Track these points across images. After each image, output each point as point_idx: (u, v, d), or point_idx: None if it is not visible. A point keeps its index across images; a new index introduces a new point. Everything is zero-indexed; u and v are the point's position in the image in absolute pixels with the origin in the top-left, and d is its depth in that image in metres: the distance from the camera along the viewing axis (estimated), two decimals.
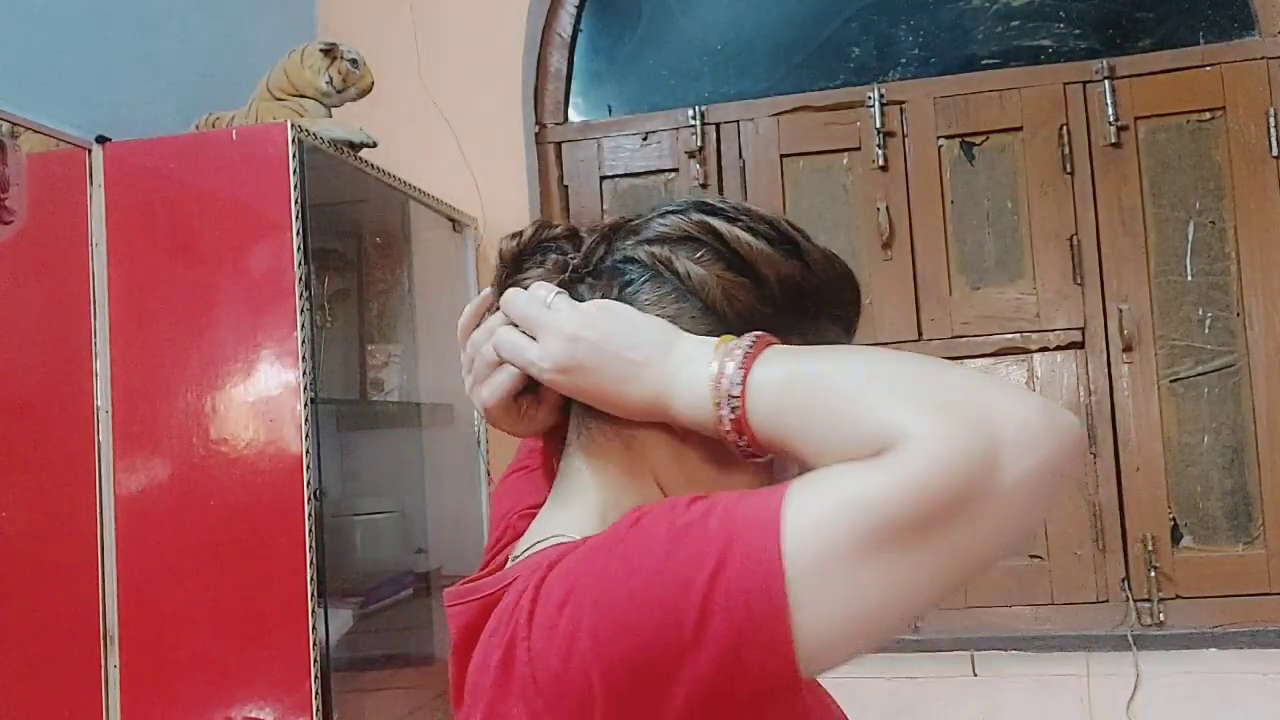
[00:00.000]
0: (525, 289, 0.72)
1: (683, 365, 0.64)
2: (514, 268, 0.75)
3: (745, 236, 0.69)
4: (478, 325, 0.76)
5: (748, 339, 0.62)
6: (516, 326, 0.71)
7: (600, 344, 0.66)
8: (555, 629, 0.57)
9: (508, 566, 0.70)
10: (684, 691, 0.54)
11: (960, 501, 0.51)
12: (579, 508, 0.71)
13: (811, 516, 0.53)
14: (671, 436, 0.69)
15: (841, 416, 0.56)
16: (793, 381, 0.59)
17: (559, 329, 0.68)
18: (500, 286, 0.75)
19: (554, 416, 0.77)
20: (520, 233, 0.75)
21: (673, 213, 0.72)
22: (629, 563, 0.56)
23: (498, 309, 0.74)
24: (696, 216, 0.70)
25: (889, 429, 0.53)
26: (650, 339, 0.66)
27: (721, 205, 0.72)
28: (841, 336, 0.73)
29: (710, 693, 0.54)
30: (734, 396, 0.60)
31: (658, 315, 0.68)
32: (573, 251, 0.74)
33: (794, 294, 0.70)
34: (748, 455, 0.62)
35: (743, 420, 0.60)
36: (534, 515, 0.79)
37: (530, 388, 0.74)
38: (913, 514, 0.51)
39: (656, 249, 0.70)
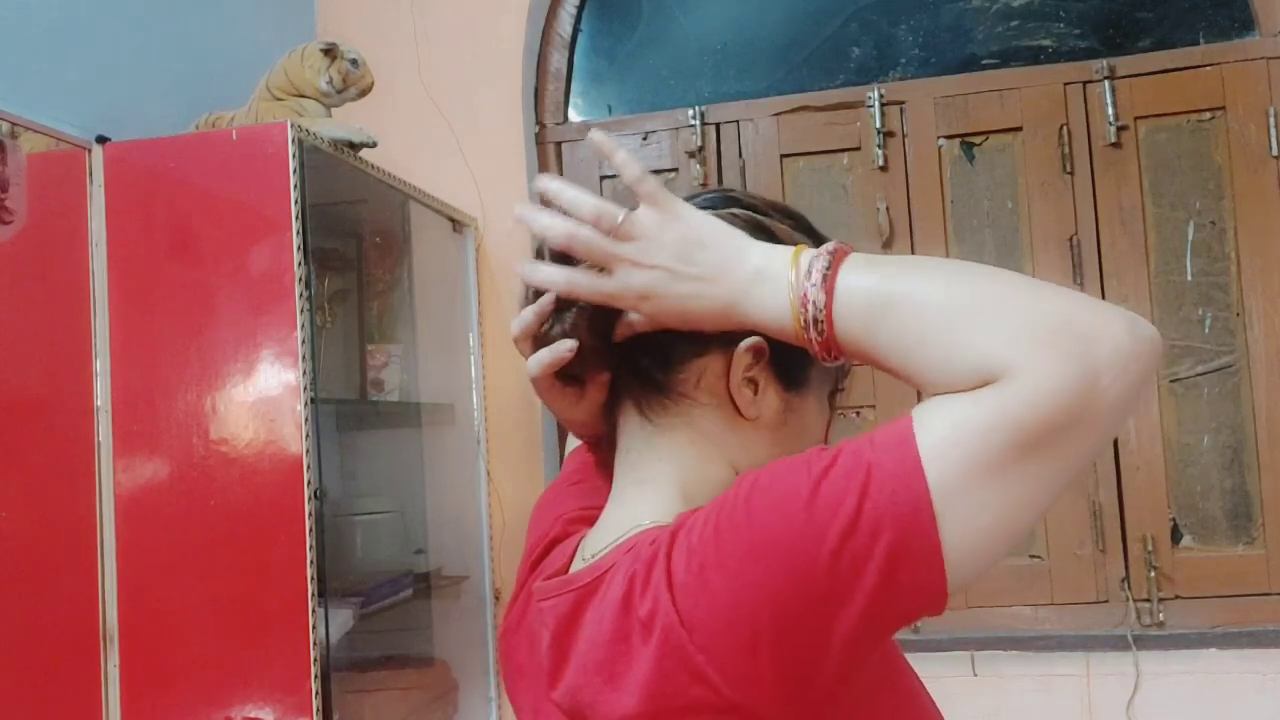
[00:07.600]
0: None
1: (759, 277, 0.66)
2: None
3: (788, 230, 0.74)
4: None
5: (825, 252, 0.64)
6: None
7: (678, 255, 0.68)
8: (705, 587, 0.59)
9: (587, 558, 0.72)
10: (848, 622, 0.57)
11: (1066, 426, 0.56)
12: (657, 493, 0.73)
13: (941, 438, 0.57)
14: (726, 410, 0.73)
15: (938, 345, 0.59)
16: (884, 304, 0.62)
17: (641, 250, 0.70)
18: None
19: (601, 398, 0.78)
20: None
21: (710, 206, 0.74)
22: (773, 512, 0.59)
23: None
24: (742, 213, 0.74)
25: (992, 363, 0.57)
26: (729, 246, 0.68)
27: (752, 200, 0.76)
28: None
29: (870, 619, 0.58)
30: (819, 319, 0.63)
31: None
32: None
33: None
34: (828, 359, 0.65)
35: (830, 339, 0.63)
36: (584, 517, 0.82)
37: (575, 369, 0.76)
38: (1026, 438, 0.56)
39: None
